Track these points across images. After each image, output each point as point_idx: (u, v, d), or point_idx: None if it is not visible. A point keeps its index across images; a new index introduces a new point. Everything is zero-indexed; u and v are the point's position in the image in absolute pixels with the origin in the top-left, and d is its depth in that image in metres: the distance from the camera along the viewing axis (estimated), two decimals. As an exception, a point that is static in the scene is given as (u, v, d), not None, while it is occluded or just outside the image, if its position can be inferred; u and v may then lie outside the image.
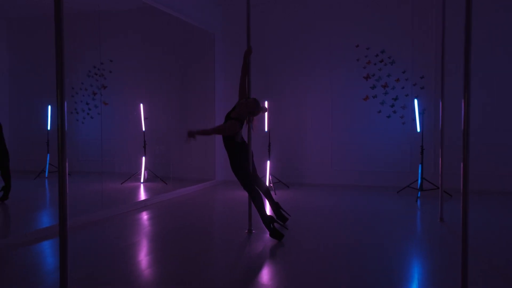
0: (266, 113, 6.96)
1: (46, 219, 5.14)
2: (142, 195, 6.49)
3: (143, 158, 7.20)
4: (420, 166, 6.04)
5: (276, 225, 4.27)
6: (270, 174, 6.69)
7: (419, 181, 5.98)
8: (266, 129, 6.93)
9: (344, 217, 4.97)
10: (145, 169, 7.28)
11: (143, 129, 7.26)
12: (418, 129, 6.17)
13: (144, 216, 5.11)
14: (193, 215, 5.17)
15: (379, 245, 3.81)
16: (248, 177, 3.94)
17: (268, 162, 6.74)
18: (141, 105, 7.34)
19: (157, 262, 3.35)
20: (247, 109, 3.99)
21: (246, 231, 4.22)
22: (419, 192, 5.91)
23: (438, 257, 3.52)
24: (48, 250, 3.73)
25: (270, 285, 2.84)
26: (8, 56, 6.39)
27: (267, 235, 4.05)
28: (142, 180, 7.17)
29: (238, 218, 4.74)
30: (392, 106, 6.91)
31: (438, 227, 4.41)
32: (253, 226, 4.29)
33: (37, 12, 6.84)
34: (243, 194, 6.37)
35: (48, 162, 6.88)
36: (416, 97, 6.47)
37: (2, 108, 6.16)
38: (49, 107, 7.08)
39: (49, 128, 6.96)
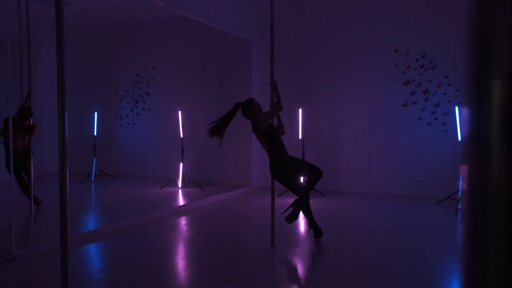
0: (300, 120, 6.91)
1: (91, 222, 5.47)
2: (180, 201, 6.70)
3: (181, 164, 7.40)
4: (461, 177, 5.74)
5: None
6: (304, 181, 6.64)
7: (460, 193, 5.69)
8: (300, 136, 6.88)
9: (381, 226, 4.85)
10: (184, 174, 7.48)
11: (181, 135, 7.46)
12: (459, 138, 5.88)
13: (180, 222, 5.26)
14: (225, 223, 5.25)
15: (419, 255, 3.70)
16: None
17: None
18: (180, 112, 7.54)
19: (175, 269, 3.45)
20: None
21: (269, 243, 4.23)
22: (459, 204, 5.63)
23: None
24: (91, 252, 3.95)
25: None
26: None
27: (293, 248, 4.04)
28: (180, 186, 7.37)
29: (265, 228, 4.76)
30: (433, 112, 6.63)
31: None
32: (276, 238, 4.29)
33: (93, 22, 7.27)
34: (277, 202, 6.40)
35: (94, 166, 7.25)
36: (459, 104, 6.17)
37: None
38: (96, 113, 7.47)
39: (95, 133, 7.34)
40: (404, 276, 3.35)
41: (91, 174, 7.25)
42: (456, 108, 5.97)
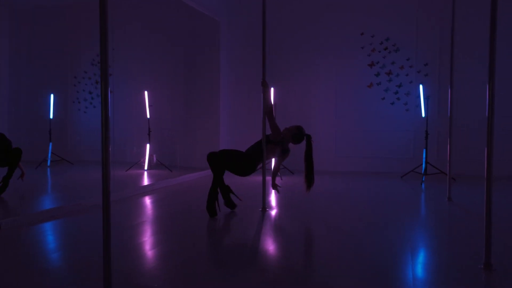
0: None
1: (48, 202, 5.12)
2: (148, 181, 6.49)
3: (148, 145, 7.19)
4: (424, 150, 6.11)
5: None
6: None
7: (424, 166, 6.05)
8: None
9: (352, 200, 5.03)
10: (151, 155, 7.27)
11: (148, 116, 7.26)
12: (423, 114, 6.24)
13: (152, 199, 5.12)
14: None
15: (394, 221, 3.87)
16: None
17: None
18: (146, 92, 7.33)
19: (172, 239, 3.37)
20: (289, 134, 4.13)
21: (260, 209, 4.26)
22: (423, 176, 5.98)
23: (452, 229, 3.58)
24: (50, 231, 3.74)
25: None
26: (9, 45, 6.30)
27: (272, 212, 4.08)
28: (146, 168, 7.16)
29: (250, 198, 4.78)
30: (396, 93, 6.99)
31: (448, 205, 4.48)
32: (267, 205, 4.33)
33: (39, 2, 6.81)
34: (248, 178, 6.41)
35: (50, 150, 6.82)
36: (422, 83, 6.55)
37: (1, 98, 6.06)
38: (52, 95, 7.03)
39: (51, 117, 6.91)
40: (379, 245, 3.51)
41: (47, 160, 6.80)
42: (420, 86, 6.33)
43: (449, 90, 4.65)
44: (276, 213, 4.18)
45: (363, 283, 2.35)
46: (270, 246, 3.13)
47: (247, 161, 4.05)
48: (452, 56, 4.62)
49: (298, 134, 4.14)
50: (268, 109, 4.17)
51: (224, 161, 3.99)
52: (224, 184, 4.08)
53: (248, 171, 4.10)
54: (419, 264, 2.67)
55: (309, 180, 4.07)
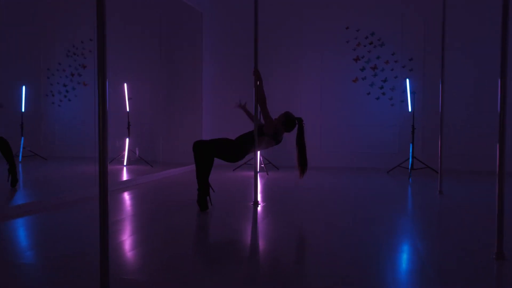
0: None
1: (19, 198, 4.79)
2: (128, 176, 6.21)
3: (127, 140, 6.90)
4: (411, 145, 6.09)
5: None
6: (261, 155, 6.58)
7: (411, 160, 6.03)
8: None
9: (343, 195, 4.93)
10: (132, 149, 6.99)
11: (127, 109, 6.96)
12: (410, 109, 6.23)
13: (133, 194, 4.87)
14: (191, 192, 4.98)
15: (390, 215, 3.79)
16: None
17: (259, 143, 6.61)
18: (125, 84, 7.04)
19: (158, 231, 3.17)
20: (279, 123, 3.92)
21: (252, 203, 4.10)
22: (410, 171, 5.95)
23: (451, 221, 3.52)
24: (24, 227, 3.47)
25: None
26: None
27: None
28: (125, 163, 6.87)
29: (240, 192, 4.61)
30: (381, 88, 6.96)
31: (440, 199, 4.45)
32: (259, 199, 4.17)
33: None
34: (238, 174, 6.25)
35: (22, 145, 6.46)
36: (408, 77, 6.55)
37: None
38: (23, 87, 6.65)
39: (23, 110, 6.54)
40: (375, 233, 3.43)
41: (18, 155, 6.42)
42: (407, 80, 6.31)
43: (440, 85, 4.61)
44: (267, 207, 4.03)
45: (371, 277, 2.22)
46: (263, 241, 2.97)
47: (238, 148, 3.88)
48: (443, 49, 4.58)
49: (288, 120, 3.93)
50: (261, 100, 4.00)
51: (214, 148, 3.81)
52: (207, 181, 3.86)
53: (239, 157, 3.93)
54: (429, 255, 2.57)
55: (303, 164, 3.92)
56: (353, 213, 3.79)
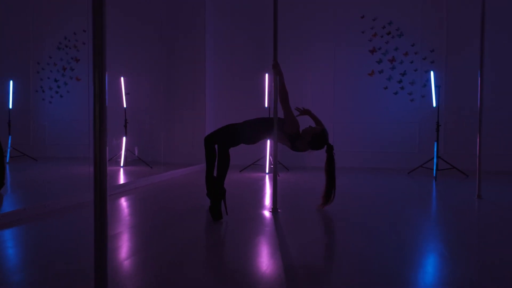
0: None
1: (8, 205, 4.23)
2: (125, 179, 5.66)
3: (124, 139, 6.36)
4: (435, 143, 5.58)
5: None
6: (270, 155, 6.08)
7: (435, 160, 5.50)
8: (266, 104, 6.29)
9: (366, 197, 4.41)
10: (130, 148, 6.49)
11: (124, 105, 6.43)
12: (434, 104, 5.72)
13: (132, 200, 4.33)
14: (196, 197, 4.45)
15: (425, 220, 3.28)
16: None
17: (268, 142, 6.11)
18: (122, 78, 6.50)
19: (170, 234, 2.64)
20: (310, 134, 3.48)
21: (270, 210, 3.57)
22: (435, 172, 5.43)
23: (494, 228, 3.01)
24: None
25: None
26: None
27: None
28: (122, 164, 6.33)
29: (252, 197, 4.09)
30: (400, 82, 6.45)
31: (479, 203, 3.94)
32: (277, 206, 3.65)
33: None
34: (245, 175, 5.73)
35: (9, 145, 5.96)
36: (429, 71, 6.04)
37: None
38: (11, 82, 6.13)
39: (10, 106, 6.02)
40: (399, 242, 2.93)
41: (6, 155, 5.92)
42: (431, 73, 5.80)
43: (479, 74, 4.10)
44: (288, 214, 3.50)
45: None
46: (285, 248, 2.44)
47: (254, 128, 3.55)
48: (483, 35, 4.07)
49: (320, 138, 3.43)
50: (283, 96, 3.48)
51: (226, 132, 3.44)
52: (222, 184, 3.35)
53: (253, 139, 3.59)
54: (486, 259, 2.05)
55: (328, 196, 3.44)
56: (380, 217, 3.28)
